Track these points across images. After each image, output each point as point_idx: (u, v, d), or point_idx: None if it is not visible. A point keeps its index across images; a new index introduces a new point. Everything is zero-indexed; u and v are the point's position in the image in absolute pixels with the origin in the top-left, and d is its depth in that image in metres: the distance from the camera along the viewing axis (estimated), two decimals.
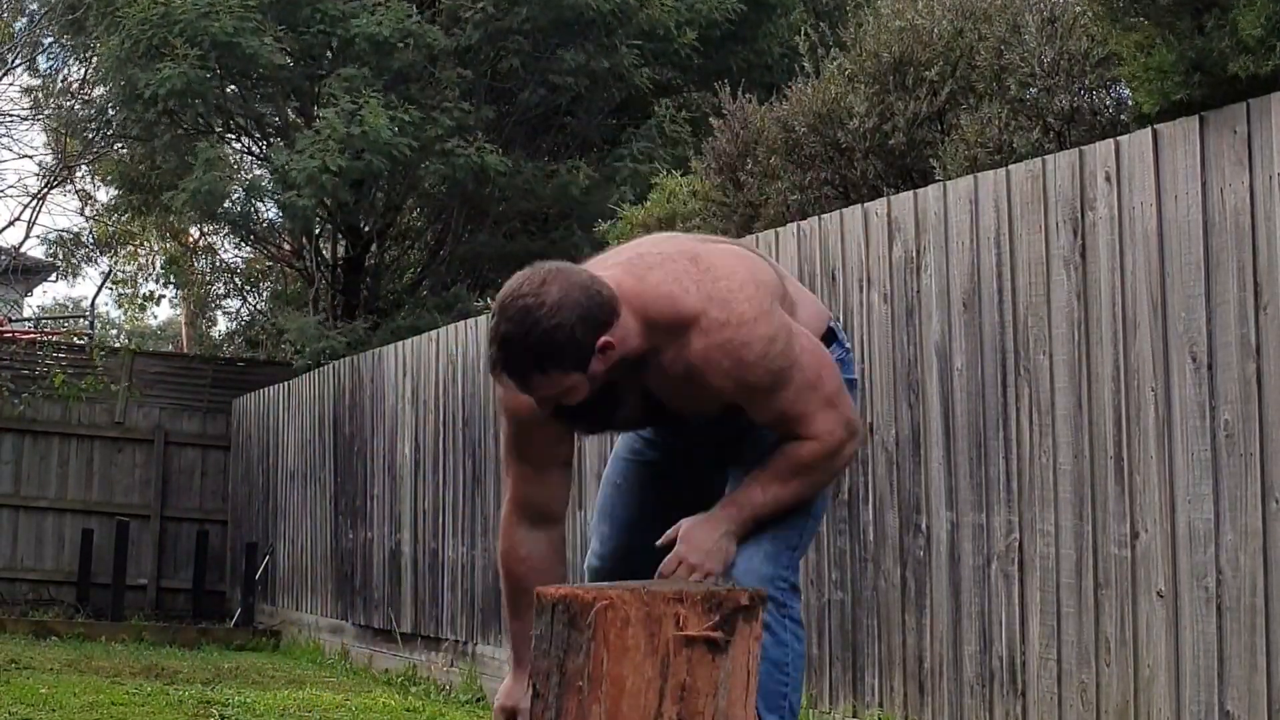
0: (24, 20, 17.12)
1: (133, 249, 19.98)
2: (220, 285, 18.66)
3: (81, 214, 19.16)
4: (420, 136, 11.40)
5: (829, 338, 3.15)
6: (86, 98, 16.37)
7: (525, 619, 2.93)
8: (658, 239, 3.31)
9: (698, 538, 2.93)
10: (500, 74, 12.41)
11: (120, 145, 14.69)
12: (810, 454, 2.93)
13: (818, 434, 2.92)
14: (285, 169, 11.28)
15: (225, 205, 12.95)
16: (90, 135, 15.37)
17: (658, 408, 3.03)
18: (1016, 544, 4.79)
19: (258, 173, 14.19)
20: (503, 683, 3.16)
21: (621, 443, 3.36)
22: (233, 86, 12.51)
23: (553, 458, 3.07)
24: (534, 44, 12.00)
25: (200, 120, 12.85)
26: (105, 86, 13.79)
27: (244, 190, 13.40)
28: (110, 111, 13.99)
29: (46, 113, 17.62)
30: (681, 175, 8.45)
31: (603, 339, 2.77)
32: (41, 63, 17.25)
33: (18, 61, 17.16)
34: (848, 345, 3.27)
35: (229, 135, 13.81)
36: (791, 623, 3.08)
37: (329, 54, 12.24)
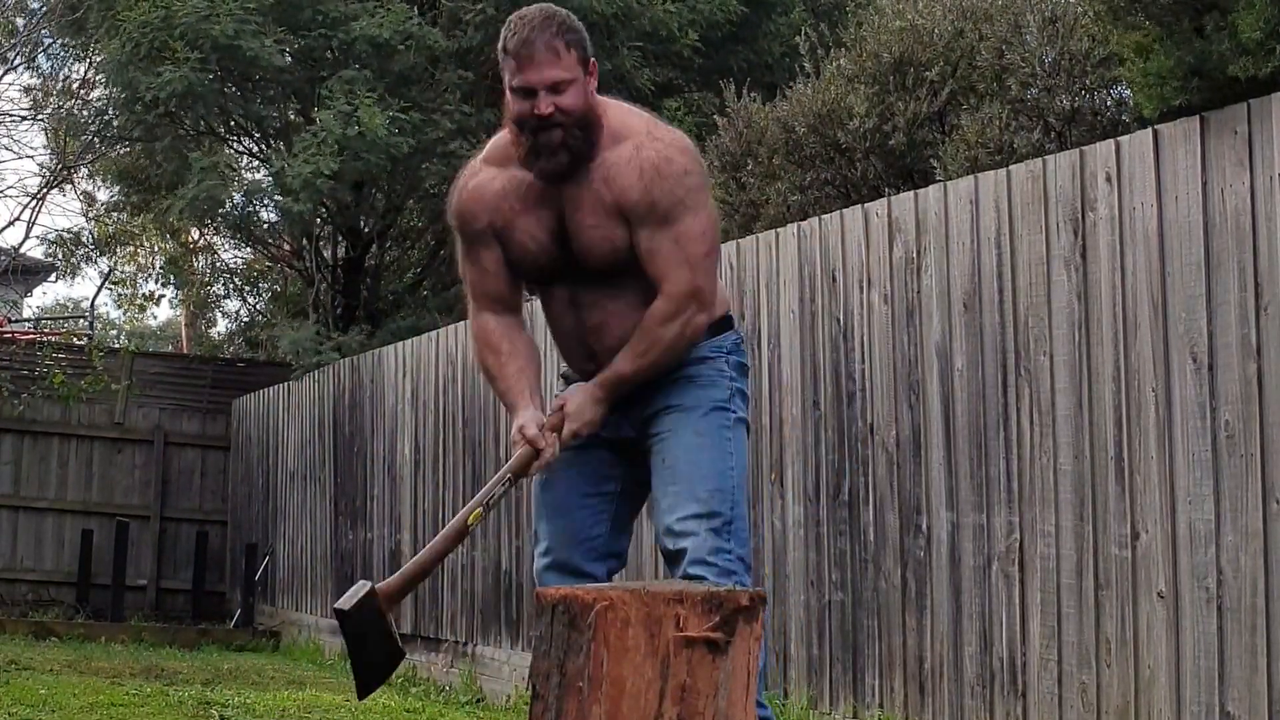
0: (22, 19, 17.09)
1: (133, 250, 19.96)
2: (220, 286, 18.64)
3: (84, 215, 19.10)
4: (421, 138, 11.39)
5: (725, 324, 3.46)
6: (86, 99, 16.34)
7: (506, 374, 3.40)
8: None
9: (574, 401, 3.32)
10: (499, 77, 12.38)
11: (121, 146, 14.66)
12: (658, 315, 3.24)
13: (670, 291, 3.23)
14: (281, 174, 11.27)
15: (224, 209, 12.93)
16: (89, 137, 15.34)
17: (564, 244, 3.33)
18: (1017, 545, 4.78)
19: (258, 176, 14.18)
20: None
21: None
22: (233, 89, 12.48)
23: (495, 258, 3.42)
24: None
25: (201, 123, 12.84)
26: (106, 89, 13.75)
27: (243, 194, 13.37)
28: (110, 112, 13.96)
29: (47, 112, 17.60)
30: None
31: (593, 60, 3.29)
32: (42, 62, 17.23)
33: (19, 60, 17.14)
34: (740, 334, 3.56)
35: (230, 137, 13.79)
36: None
37: (330, 54, 12.22)
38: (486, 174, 3.41)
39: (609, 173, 3.24)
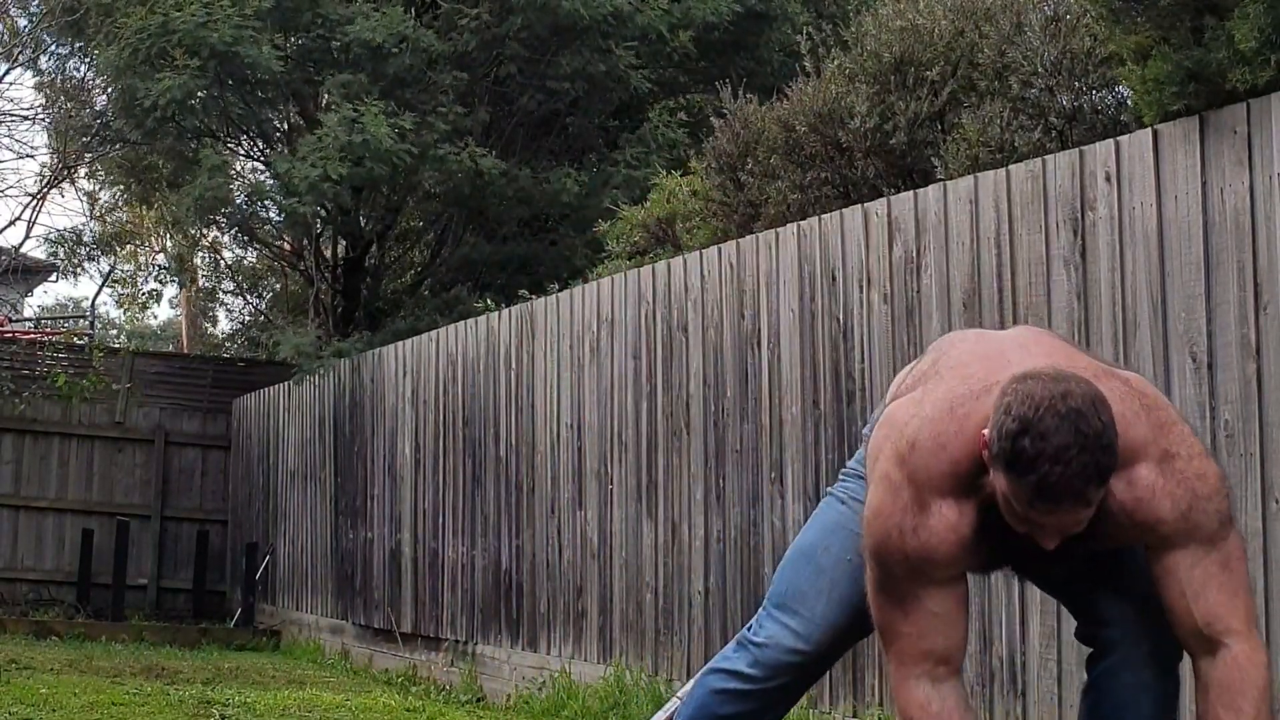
0: (26, 19, 17.09)
1: (133, 248, 19.95)
2: (226, 282, 18.65)
3: (84, 214, 19.09)
4: (417, 142, 11.38)
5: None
6: (85, 101, 16.34)
7: None
8: (1026, 338, 2.96)
9: None
10: (498, 79, 12.39)
11: (120, 146, 14.67)
12: (1247, 661, 2.68)
13: (1238, 628, 2.70)
14: (288, 176, 11.26)
15: (226, 209, 12.92)
16: (89, 139, 15.33)
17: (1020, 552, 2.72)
18: None
19: (260, 176, 14.16)
20: None
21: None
22: (232, 96, 12.47)
23: (958, 597, 2.77)
24: (530, 50, 11.98)
25: (200, 126, 12.83)
26: (104, 92, 13.73)
27: (246, 195, 13.36)
28: (109, 113, 13.96)
29: (50, 113, 17.58)
30: (681, 175, 8.45)
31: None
32: (43, 61, 17.21)
33: (20, 60, 17.13)
34: None
35: (229, 139, 13.79)
36: None
37: (327, 53, 12.21)
38: (950, 510, 2.67)
39: (1127, 505, 2.64)
